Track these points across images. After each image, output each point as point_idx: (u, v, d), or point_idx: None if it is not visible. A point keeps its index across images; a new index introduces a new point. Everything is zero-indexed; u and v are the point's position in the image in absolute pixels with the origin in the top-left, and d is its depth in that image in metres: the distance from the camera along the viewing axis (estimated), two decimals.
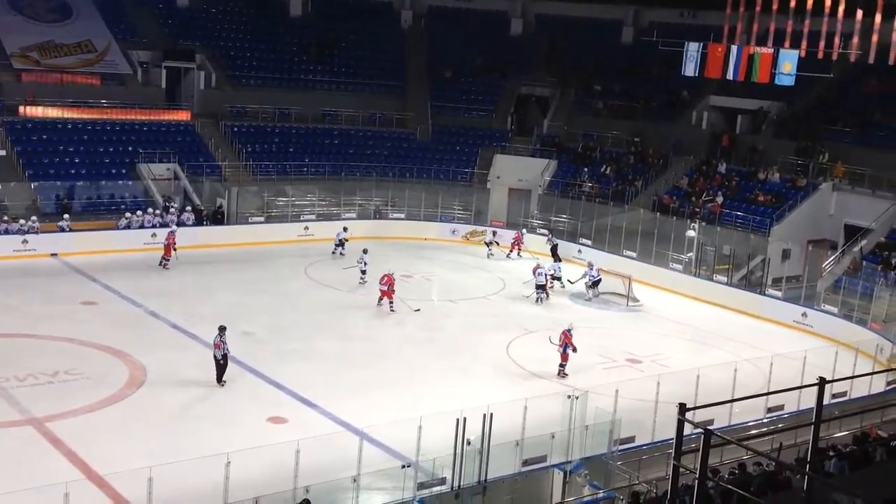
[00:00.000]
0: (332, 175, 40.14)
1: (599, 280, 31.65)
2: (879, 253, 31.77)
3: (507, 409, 16.73)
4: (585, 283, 31.85)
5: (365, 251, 31.39)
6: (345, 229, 35.70)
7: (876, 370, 23.49)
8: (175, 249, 31.67)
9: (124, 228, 33.90)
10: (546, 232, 37.55)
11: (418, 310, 28.71)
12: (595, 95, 45.73)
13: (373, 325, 27.45)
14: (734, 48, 33.92)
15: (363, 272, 31.19)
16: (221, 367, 21.62)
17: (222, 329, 21.63)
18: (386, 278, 28.41)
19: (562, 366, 23.91)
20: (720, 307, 31.66)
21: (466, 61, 47.20)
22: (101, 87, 39.84)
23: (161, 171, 37.43)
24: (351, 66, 46.25)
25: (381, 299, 28.63)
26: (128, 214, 34.24)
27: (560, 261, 34.83)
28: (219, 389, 21.41)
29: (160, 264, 31.57)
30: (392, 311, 28.41)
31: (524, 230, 37.95)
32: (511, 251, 37.05)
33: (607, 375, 23.09)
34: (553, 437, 16.99)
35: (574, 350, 23.96)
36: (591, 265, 32.24)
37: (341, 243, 35.12)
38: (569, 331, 24.01)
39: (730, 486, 9.99)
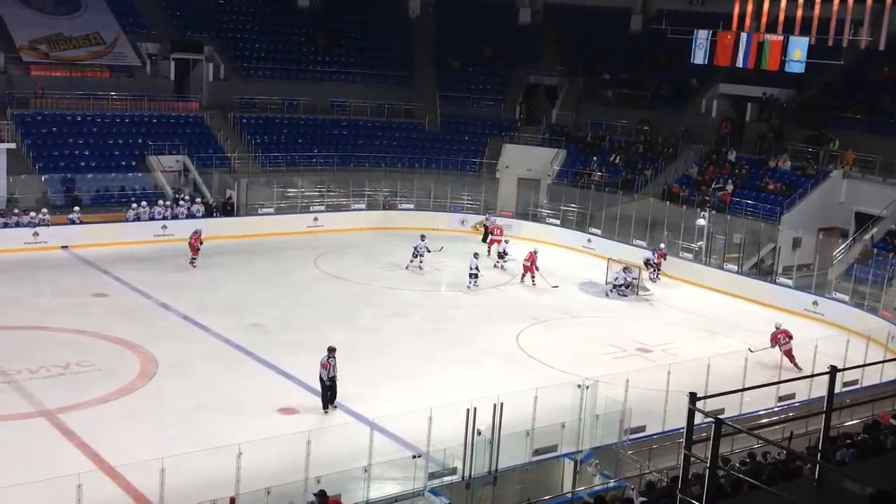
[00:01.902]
0: (341, 166, 40.18)
1: (631, 283, 31.28)
2: (890, 240, 31.63)
3: (518, 399, 16.74)
4: (615, 282, 31.47)
5: (476, 255, 30.72)
6: (422, 237, 32.50)
7: (888, 358, 23.41)
8: (199, 248, 30.92)
9: (133, 220, 33.99)
10: (488, 214, 37.77)
11: (556, 286, 30.78)
12: (604, 84, 45.58)
13: (382, 315, 27.45)
14: (744, 35, 33.74)
15: (473, 275, 30.17)
16: (329, 390, 20.09)
17: (332, 350, 20.18)
18: (530, 255, 31.25)
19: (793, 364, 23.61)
20: (730, 296, 31.56)
21: (474, 51, 47.06)
22: (109, 80, 39.92)
23: (170, 163, 37.50)
24: (359, 56, 46.22)
25: (524, 275, 31.24)
26: (134, 206, 34.30)
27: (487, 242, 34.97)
28: (229, 380, 21.47)
29: (191, 264, 30.86)
30: (534, 284, 30.98)
31: (662, 245, 33.68)
32: (656, 273, 33.04)
33: (617, 365, 23.06)
34: (563, 426, 16.99)
35: (789, 338, 23.90)
36: (627, 269, 31.51)
37: (419, 254, 31.88)
38: (778, 327, 24.27)
39: (741, 475, 9.98)
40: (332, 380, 20.07)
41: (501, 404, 15.80)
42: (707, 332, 27.70)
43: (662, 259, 33.34)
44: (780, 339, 23.90)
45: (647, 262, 32.59)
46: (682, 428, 8.73)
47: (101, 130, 38.06)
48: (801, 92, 40.19)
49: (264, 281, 30.02)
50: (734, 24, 34.19)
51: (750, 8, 33.70)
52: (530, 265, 31.09)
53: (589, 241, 36.13)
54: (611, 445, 17.09)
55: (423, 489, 15.46)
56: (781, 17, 33.31)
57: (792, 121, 39.25)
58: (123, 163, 37.27)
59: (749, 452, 14.85)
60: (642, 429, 18.00)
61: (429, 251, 32.14)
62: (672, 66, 43.76)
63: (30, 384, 20.44)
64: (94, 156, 36.99)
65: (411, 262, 32.21)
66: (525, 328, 26.90)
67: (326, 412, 19.95)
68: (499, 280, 31.89)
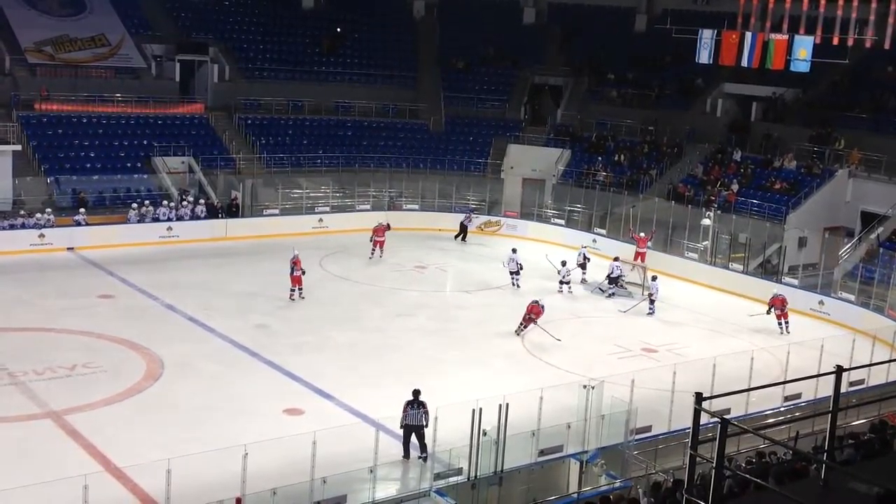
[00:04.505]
0: (346, 167, 40.21)
1: (619, 277, 31.27)
2: None
3: (523, 400, 16.72)
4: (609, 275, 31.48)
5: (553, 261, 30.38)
6: (514, 250, 31.29)
7: (894, 357, 23.35)
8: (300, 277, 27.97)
9: (137, 221, 34.02)
10: (468, 210, 37.93)
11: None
12: (608, 84, 45.57)
13: (387, 316, 27.45)
14: (748, 35, 33.73)
15: (565, 283, 30.57)
16: (412, 433, 17.72)
17: (416, 394, 17.92)
18: (643, 240, 33.14)
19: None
20: (736, 296, 31.51)
21: (479, 51, 47.12)
22: (115, 81, 39.96)
23: (176, 164, 37.55)
24: (363, 57, 46.25)
25: (642, 270, 32.48)
26: (134, 205, 34.25)
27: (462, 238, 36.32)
28: (235, 381, 21.49)
29: (291, 298, 28.01)
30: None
31: (776, 290, 29.00)
32: (785, 326, 27.92)
33: (623, 365, 23.05)
34: (569, 427, 17.01)
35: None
36: (616, 259, 31.52)
37: (514, 271, 30.30)
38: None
39: (747, 475, 9.95)
40: (418, 428, 17.55)
41: (507, 405, 15.81)
42: (712, 332, 27.67)
43: (783, 305, 27.93)
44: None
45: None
46: (688, 428, 8.73)
47: (106, 132, 38.11)
48: (807, 91, 40.14)
49: (269, 282, 30.00)
50: (739, 24, 34.17)
51: (755, 7, 33.67)
52: (644, 250, 32.66)
53: (594, 241, 36.08)
54: (616, 446, 17.10)
55: (428, 490, 15.48)
56: (787, 16, 33.28)
57: (797, 120, 39.19)
58: (129, 164, 37.31)
59: (755, 452, 14.82)
60: (648, 429, 17.99)
61: (522, 267, 30.49)
62: (677, 66, 43.74)
63: (36, 385, 20.48)
64: (100, 157, 37.04)
65: (515, 282, 30.46)
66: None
67: (408, 459, 17.71)
68: (503, 280, 31.85)
